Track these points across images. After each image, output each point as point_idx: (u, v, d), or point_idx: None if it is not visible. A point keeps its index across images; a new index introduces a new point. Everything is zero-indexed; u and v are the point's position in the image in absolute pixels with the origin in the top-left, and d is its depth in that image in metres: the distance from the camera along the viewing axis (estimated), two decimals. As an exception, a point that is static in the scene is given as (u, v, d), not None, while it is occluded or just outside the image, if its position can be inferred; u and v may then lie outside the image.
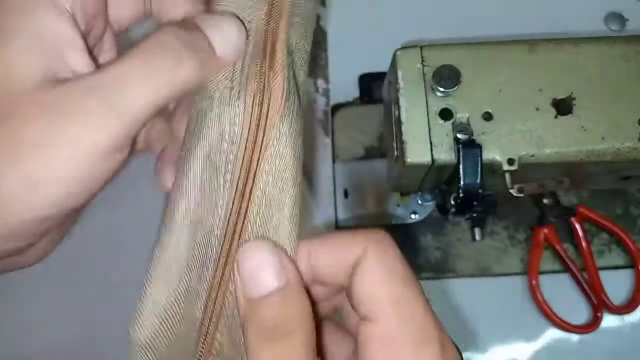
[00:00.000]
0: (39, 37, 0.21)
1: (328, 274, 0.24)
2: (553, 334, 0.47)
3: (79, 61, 0.22)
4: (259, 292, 0.22)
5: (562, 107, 0.35)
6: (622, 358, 0.47)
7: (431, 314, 0.22)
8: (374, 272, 0.22)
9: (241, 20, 0.26)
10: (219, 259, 0.23)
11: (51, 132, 0.20)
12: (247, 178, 0.24)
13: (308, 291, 0.23)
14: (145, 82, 0.21)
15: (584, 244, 0.47)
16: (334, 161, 0.51)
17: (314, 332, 0.22)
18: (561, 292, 0.47)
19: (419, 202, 0.48)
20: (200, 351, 0.24)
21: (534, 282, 0.47)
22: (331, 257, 0.23)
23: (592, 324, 0.46)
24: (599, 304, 0.46)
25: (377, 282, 0.22)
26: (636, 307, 0.46)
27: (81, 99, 0.21)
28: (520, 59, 0.35)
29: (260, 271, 0.22)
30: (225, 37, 0.24)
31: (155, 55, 0.22)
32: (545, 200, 0.47)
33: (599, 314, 0.46)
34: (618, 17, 0.54)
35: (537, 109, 0.35)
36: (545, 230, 0.47)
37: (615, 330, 0.47)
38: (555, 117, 0.35)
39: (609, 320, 0.47)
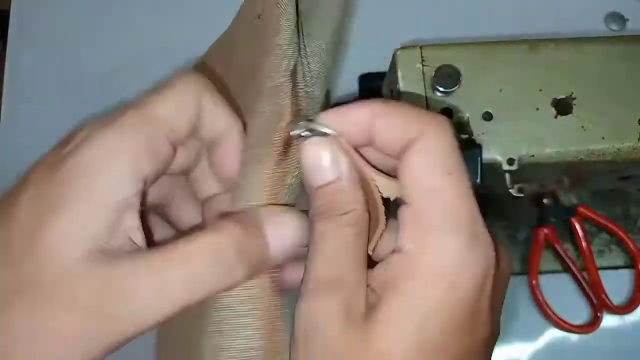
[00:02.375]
0: (102, 204, 0.22)
1: (385, 143, 0.24)
2: (553, 334, 0.47)
3: (132, 223, 0.23)
4: (316, 183, 0.25)
5: (562, 107, 0.35)
6: (622, 358, 0.47)
7: (468, 206, 0.22)
8: (421, 158, 0.23)
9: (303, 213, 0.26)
10: None
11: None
12: None
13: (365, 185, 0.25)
14: (184, 287, 0.22)
15: (584, 244, 0.47)
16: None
17: (364, 220, 0.24)
18: (561, 292, 0.47)
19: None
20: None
21: (534, 282, 0.47)
22: (390, 129, 0.24)
23: (592, 324, 0.46)
24: (599, 304, 0.46)
25: (421, 168, 0.23)
26: (636, 307, 0.46)
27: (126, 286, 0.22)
28: (521, 59, 0.36)
29: (317, 166, 0.25)
30: (282, 239, 0.25)
31: (206, 265, 0.23)
32: (545, 200, 0.47)
33: (599, 314, 0.46)
34: (618, 17, 0.54)
35: (537, 109, 0.35)
36: (545, 230, 0.47)
37: (615, 330, 0.47)
38: (555, 117, 0.35)
39: (609, 320, 0.47)
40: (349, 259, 0.23)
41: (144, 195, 0.24)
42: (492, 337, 0.24)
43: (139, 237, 0.23)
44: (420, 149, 0.23)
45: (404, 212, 0.23)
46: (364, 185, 0.25)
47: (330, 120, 0.25)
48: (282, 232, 0.25)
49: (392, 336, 0.22)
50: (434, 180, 0.22)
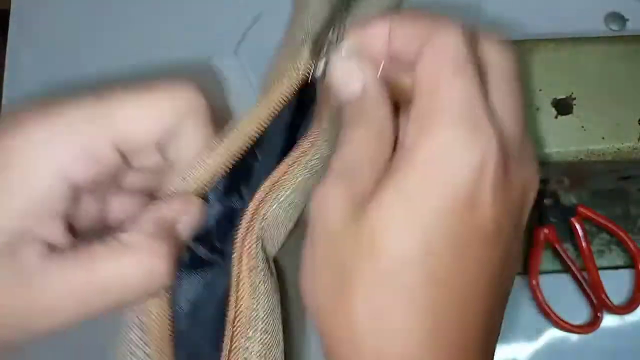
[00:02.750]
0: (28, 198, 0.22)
1: (403, 55, 0.25)
2: (553, 334, 0.47)
3: (49, 230, 0.23)
4: (344, 96, 0.26)
5: (562, 107, 0.35)
6: (622, 358, 0.47)
7: (469, 99, 0.23)
8: (428, 59, 0.23)
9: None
10: None
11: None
12: None
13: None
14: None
15: (584, 244, 0.47)
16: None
17: (387, 126, 0.25)
18: (561, 292, 0.47)
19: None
20: None
21: (534, 282, 0.47)
22: (406, 39, 0.25)
23: (592, 324, 0.46)
24: (599, 304, 0.46)
25: (427, 68, 0.23)
26: (636, 307, 0.46)
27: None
28: (521, 59, 0.35)
29: (343, 81, 0.26)
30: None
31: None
32: (545, 200, 0.47)
33: (599, 314, 0.46)
34: (618, 17, 0.54)
35: (537, 109, 0.35)
36: (545, 230, 0.47)
37: (615, 330, 0.47)
38: (555, 117, 0.35)
39: (609, 320, 0.47)
40: (364, 157, 0.24)
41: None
42: (498, 233, 0.23)
43: (60, 242, 0.23)
44: (428, 52, 0.23)
45: (410, 112, 0.23)
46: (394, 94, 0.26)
47: (351, 41, 0.26)
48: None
49: (384, 217, 0.22)
50: (437, 78, 0.23)
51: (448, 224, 0.22)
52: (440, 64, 0.23)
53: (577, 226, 0.47)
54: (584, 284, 0.46)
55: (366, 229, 0.22)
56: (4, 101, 0.53)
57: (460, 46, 0.23)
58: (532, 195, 0.26)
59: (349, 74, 0.26)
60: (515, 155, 0.23)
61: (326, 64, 0.27)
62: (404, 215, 0.22)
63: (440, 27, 0.24)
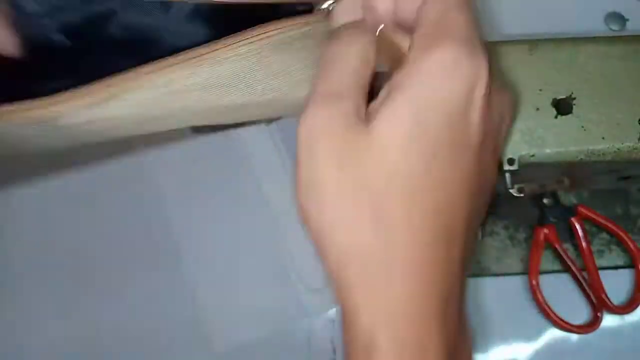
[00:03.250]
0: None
1: (407, 14, 0.27)
2: (553, 334, 0.47)
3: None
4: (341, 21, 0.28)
5: (562, 107, 0.35)
6: (622, 358, 0.47)
7: (474, 29, 0.25)
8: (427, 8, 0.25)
9: None
10: None
11: None
12: None
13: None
14: None
15: (584, 244, 0.47)
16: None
17: (371, 51, 0.27)
18: (561, 292, 0.47)
19: (419, 202, 0.48)
20: None
21: (534, 282, 0.47)
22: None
23: (592, 324, 0.46)
24: (599, 304, 0.46)
25: (436, 3, 0.25)
26: (636, 307, 0.46)
27: None
28: (520, 59, 0.36)
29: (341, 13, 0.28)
30: None
31: None
32: (545, 200, 0.47)
33: (599, 314, 0.46)
34: (618, 17, 0.54)
35: (537, 109, 0.35)
36: (545, 230, 0.47)
37: (615, 330, 0.47)
38: (555, 117, 0.35)
39: (609, 320, 0.47)
40: (350, 80, 0.25)
41: None
42: (481, 147, 0.25)
43: None
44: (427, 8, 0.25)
45: (413, 37, 0.25)
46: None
47: None
48: None
49: (391, 125, 0.24)
50: (446, 8, 0.25)
51: (450, 132, 0.24)
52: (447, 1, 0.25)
53: (577, 226, 0.47)
54: (584, 284, 0.46)
55: (374, 133, 0.24)
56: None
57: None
58: (507, 122, 0.29)
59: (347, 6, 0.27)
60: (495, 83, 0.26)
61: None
62: (416, 125, 0.24)
63: None
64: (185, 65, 0.26)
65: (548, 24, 0.50)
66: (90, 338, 0.48)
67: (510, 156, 0.34)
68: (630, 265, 0.47)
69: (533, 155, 0.34)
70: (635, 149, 0.34)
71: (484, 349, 0.47)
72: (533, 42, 0.36)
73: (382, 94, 0.25)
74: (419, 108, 0.24)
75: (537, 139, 0.34)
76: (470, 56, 0.24)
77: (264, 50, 0.27)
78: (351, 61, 0.26)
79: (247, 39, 0.27)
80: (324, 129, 0.24)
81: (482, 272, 0.48)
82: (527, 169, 0.35)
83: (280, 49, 0.28)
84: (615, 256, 0.48)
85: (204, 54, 0.27)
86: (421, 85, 0.24)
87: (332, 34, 0.27)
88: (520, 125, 0.34)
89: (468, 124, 0.25)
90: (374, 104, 0.25)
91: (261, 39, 0.27)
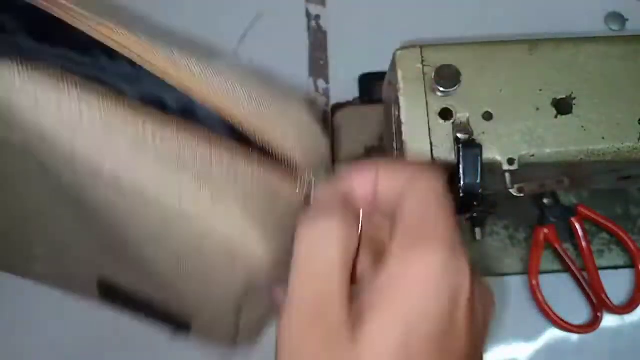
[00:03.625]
0: None
1: (386, 205, 0.26)
2: (553, 334, 0.47)
3: None
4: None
5: (562, 107, 0.35)
6: (622, 358, 0.47)
7: (453, 232, 0.24)
8: (412, 197, 0.25)
9: None
10: None
11: None
12: None
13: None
14: None
15: (584, 244, 0.47)
16: (334, 161, 0.51)
17: (353, 247, 0.25)
18: (561, 292, 0.47)
19: (419, 202, 0.48)
20: None
21: (534, 282, 0.47)
22: (389, 187, 0.26)
23: (592, 324, 0.46)
24: (599, 304, 0.46)
25: (410, 203, 0.25)
26: (636, 307, 0.46)
27: None
28: (520, 59, 0.36)
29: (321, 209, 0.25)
30: None
31: None
32: (545, 200, 0.48)
33: (599, 314, 0.46)
34: (618, 17, 0.54)
35: (537, 109, 0.35)
36: (545, 230, 0.47)
37: (615, 330, 0.47)
38: (555, 117, 0.35)
39: (609, 320, 0.47)
40: (333, 281, 0.24)
41: None
42: (467, 353, 0.25)
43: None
44: (410, 194, 0.25)
45: (391, 245, 0.24)
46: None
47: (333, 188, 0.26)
48: None
49: (380, 341, 0.23)
50: (426, 210, 0.24)
51: (438, 340, 0.23)
52: (424, 200, 0.25)
53: (577, 226, 0.47)
54: (584, 284, 0.46)
55: (362, 353, 0.23)
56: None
57: (442, 190, 0.25)
58: (489, 314, 0.29)
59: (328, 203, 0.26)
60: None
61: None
62: (405, 339, 0.23)
63: (421, 173, 0.25)
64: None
65: (548, 24, 0.50)
66: (90, 338, 0.48)
67: (510, 156, 0.34)
68: (630, 265, 0.47)
69: (533, 155, 0.34)
70: (635, 149, 0.34)
71: (484, 348, 0.48)
72: (533, 42, 0.36)
73: (367, 295, 0.24)
74: (408, 321, 0.23)
75: (537, 139, 0.34)
76: (455, 260, 0.24)
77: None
78: (332, 257, 0.24)
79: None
80: (303, 348, 0.23)
81: (482, 272, 0.48)
82: (527, 169, 0.35)
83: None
84: (615, 256, 0.48)
85: None
86: (409, 296, 0.23)
87: (308, 221, 0.25)
88: (520, 125, 0.34)
89: (455, 329, 0.24)
90: (359, 302, 0.24)
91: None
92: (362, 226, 0.26)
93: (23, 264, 0.38)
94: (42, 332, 0.49)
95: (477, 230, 0.47)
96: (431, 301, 0.23)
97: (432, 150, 0.34)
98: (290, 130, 0.28)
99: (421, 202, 0.25)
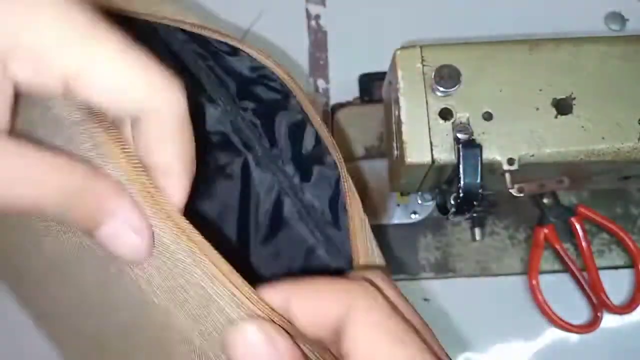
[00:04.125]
0: None
1: (308, 328, 0.22)
2: (553, 334, 0.47)
3: None
4: None
5: (562, 107, 0.35)
6: (622, 358, 0.47)
7: None
8: (363, 334, 0.21)
9: None
10: None
11: None
12: None
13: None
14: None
15: (584, 244, 0.47)
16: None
17: None
18: (561, 292, 0.47)
19: (419, 202, 0.48)
20: None
21: (534, 282, 0.47)
22: (311, 311, 0.22)
23: (592, 324, 0.46)
24: (599, 304, 0.46)
25: (371, 346, 0.21)
26: (636, 307, 0.46)
27: None
28: (520, 59, 0.35)
29: (251, 354, 0.21)
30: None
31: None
32: (545, 200, 0.47)
33: (599, 314, 0.46)
34: (618, 17, 0.54)
35: (537, 109, 0.35)
36: (545, 230, 0.47)
37: (615, 330, 0.47)
38: (555, 117, 0.35)
39: (609, 320, 0.47)
40: None
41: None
42: None
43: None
44: (360, 326, 0.21)
45: None
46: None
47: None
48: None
49: None
50: (391, 354, 0.21)
51: None
52: (379, 334, 0.21)
53: (577, 226, 0.47)
54: (584, 284, 0.46)
55: None
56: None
57: (388, 309, 0.22)
58: None
59: (260, 345, 0.21)
60: None
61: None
62: None
63: (356, 293, 0.22)
64: None
65: (548, 24, 0.50)
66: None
67: (510, 156, 0.34)
68: (630, 265, 0.47)
69: (533, 155, 0.34)
70: (635, 149, 0.34)
71: (484, 349, 0.48)
72: (533, 42, 0.36)
73: None
74: None
75: (537, 139, 0.34)
76: None
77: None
78: None
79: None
80: None
81: (482, 272, 0.48)
82: (527, 169, 0.35)
83: None
84: (615, 256, 0.48)
85: None
86: None
87: None
88: (520, 125, 0.34)
89: None
90: None
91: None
92: None
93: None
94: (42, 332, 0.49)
95: (477, 230, 0.47)
96: None
97: (432, 150, 0.34)
98: None
99: (380, 345, 0.21)
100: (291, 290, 0.22)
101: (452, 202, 0.36)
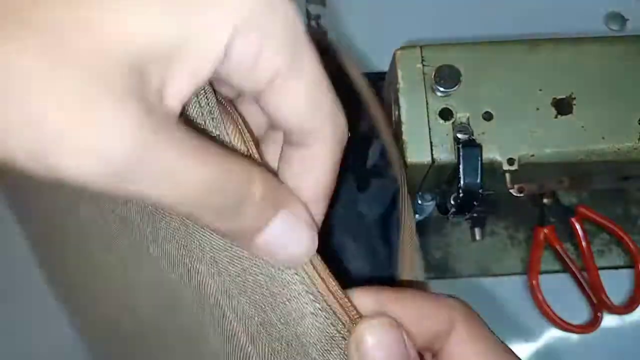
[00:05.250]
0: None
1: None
2: (553, 334, 0.47)
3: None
4: None
5: (562, 107, 0.35)
6: (622, 358, 0.47)
7: None
8: (472, 351, 0.22)
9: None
10: None
11: None
12: None
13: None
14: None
15: (584, 244, 0.47)
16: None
17: None
18: (561, 292, 0.47)
19: (419, 202, 0.48)
20: None
21: (534, 282, 0.47)
22: (407, 323, 0.22)
23: (592, 324, 0.46)
24: (599, 304, 0.46)
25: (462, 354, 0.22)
26: (636, 307, 0.46)
27: None
28: (520, 59, 0.36)
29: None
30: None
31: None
32: (545, 200, 0.47)
33: (599, 314, 0.46)
34: (618, 17, 0.54)
35: (537, 109, 0.35)
36: (545, 230, 0.47)
37: (615, 330, 0.47)
38: (555, 117, 0.35)
39: (609, 320, 0.47)
40: None
41: None
42: None
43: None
44: (464, 340, 0.22)
45: None
46: None
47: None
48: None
49: None
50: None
51: None
52: (485, 354, 0.22)
53: (577, 226, 0.47)
54: (584, 284, 0.46)
55: None
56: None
57: (488, 330, 0.23)
58: None
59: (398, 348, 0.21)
60: None
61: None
62: None
63: (461, 313, 0.22)
64: None
65: (548, 24, 0.50)
66: (90, 338, 0.48)
67: (510, 156, 0.34)
68: (630, 265, 0.47)
69: (533, 155, 0.34)
70: (635, 149, 0.34)
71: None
72: (533, 42, 0.36)
73: None
74: None
75: (537, 139, 0.34)
76: None
77: None
78: None
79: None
80: None
81: (482, 272, 0.48)
82: (527, 169, 0.35)
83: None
84: (615, 256, 0.48)
85: None
86: None
87: None
88: (520, 125, 0.34)
89: None
90: None
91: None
92: None
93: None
94: (42, 332, 0.49)
95: (477, 230, 0.47)
96: None
97: (432, 150, 0.34)
98: None
99: (475, 355, 0.22)
100: (387, 296, 0.22)
101: (452, 202, 0.36)
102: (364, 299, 0.22)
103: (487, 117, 0.35)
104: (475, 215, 0.37)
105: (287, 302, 0.21)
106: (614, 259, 0.48)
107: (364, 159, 0.32)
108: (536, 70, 0.35)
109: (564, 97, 0.35)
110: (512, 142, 0.34)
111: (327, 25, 0.56)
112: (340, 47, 0.32)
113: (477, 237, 0.47)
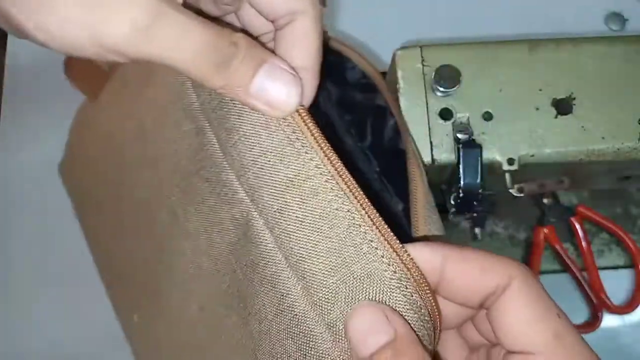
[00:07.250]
0: None
1: (459, 292, 0.23)
2: (553, 334, 0.47)
3: None
4: (369, 351, 0.21)
5: (562, 107, 0.35)
6: (622, 358, 0.47)
7: (587, 346, 0.25)
8: (526, 305, 0.23)
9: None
10: None
11: None
12: None
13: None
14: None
15: (584, 244, 0.47)
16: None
17: None
18: (561, 292, 0.47)
19: (419, 202, 0.48)
20: None
21: (534, 282, 0.47)
22: (469, 277, 0.23)
23: (592, 324, 0.46)
24: (599, 304, 0.46)
25: (531, 316, 0.22)
26: (636, 307, 0.46)
27: None
28: (520, 59, 0.36)
29: (367, 334, 0.21)
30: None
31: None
32: (545, 200, 0.47)
33: (599, 314, 0.46)
34: (618, 17, 0.54)
35: (537, 109, 0.35)
36: (545, 230, 0.47)
37: (615, 330, 0.47)
38: (555, 117, 0.35)
39: (609, 320, 0.47)
40: None
41: None
42: None
43: None
44: (521, 296, 0.23)
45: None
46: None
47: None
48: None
49: None
50: (552, 326, 0.23)
51: None
52: (543, 311, 0.23)
53: (577, 226, 0.47)
54: (584, 284, 0.46)
55: None
56: (3, 101, 0.53)
57: (544, 290, 0.23)
58: None
59: (376, 322, 0.21)
60: None
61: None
62: None
63: (516, 268, 0.23)
64: None
65: (548, 24, 0.50)
66: (90, 338, 0.48)
67: (510, 156, 0.34)
68: (630, 265, 0.47)
69: (533, 155, 0.34)
70: (635, 149, 0.34)
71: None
72: (533, 42, 0.36)
73: None
74: None
75: (537, 139, 0.34)
76: None
77: None
78: None
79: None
80: None
81: (482, 272, 0.48)
82: (527, 169, 0.35)
83: None
84: (615, 256, 0.48)
85: None
86: None
87: None
88: (520, 125, 0.34)
89: None
90: None
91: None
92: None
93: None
94: (42, 332, 0.49)
95: (477, 230, 0.47)
96: None
97: (432, 150, 0.34)
98: None
99: (543, 316, 0.23)
100: (449, 253, 0.23)
101: (452, 202, 0.36)
102: (428, 253, 0.23)
103: (487, 117, 0.35)
104: (475, 215, 0.37)
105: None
106: (614, 259, 0.48)
107: (380, 137, 0.33)
108: (536, 70, 0.35)
109: (564, 97, 0.35)
110: (512, 142, 0.34)
111: (327, 25, 0.56)
112: (346, 41, 0.33)
113: (477, 237, 0.47)
